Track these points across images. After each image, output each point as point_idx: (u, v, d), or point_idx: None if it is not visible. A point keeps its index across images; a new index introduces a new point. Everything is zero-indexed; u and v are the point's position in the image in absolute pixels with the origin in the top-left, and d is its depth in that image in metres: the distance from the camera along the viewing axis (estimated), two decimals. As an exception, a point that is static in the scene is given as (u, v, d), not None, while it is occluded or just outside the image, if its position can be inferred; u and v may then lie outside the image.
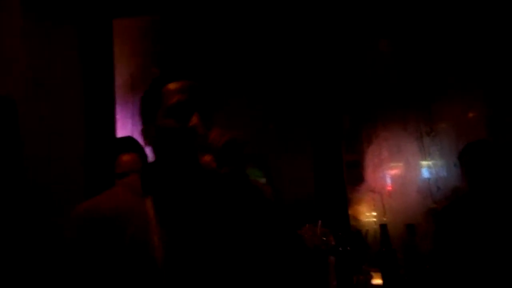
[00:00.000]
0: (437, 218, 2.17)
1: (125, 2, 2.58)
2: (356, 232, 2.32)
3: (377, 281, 2.06)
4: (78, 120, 2.42)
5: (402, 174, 2.67)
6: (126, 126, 2.67)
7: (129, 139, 2.01)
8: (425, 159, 2.63)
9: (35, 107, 2.20)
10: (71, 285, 1.00)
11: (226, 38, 2.84)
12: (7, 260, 1.83)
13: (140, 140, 1.88)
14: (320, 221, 2.21)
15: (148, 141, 1.11)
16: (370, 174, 2.71)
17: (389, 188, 2.65)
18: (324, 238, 2.14)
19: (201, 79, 1.12)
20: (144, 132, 1.11)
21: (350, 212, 2.67)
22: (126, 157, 1.87)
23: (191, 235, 1.01)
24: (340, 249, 2.08)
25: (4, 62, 2.16)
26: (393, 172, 2.70)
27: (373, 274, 2.06)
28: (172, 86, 1.08)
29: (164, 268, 0.96)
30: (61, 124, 2.30)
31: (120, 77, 2.72)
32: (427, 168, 2.63)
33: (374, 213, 2.64)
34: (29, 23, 2.23)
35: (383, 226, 2.08)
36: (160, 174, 1.08)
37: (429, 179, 2.62)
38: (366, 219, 2.67)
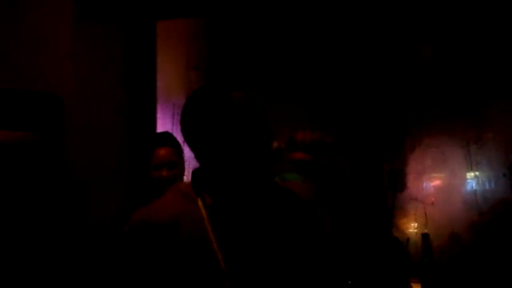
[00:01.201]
0: (484, 229, 2.05)
1: (169, 4, 2.62)
2: (395, 240, 2.25)
3: (418, 292, 1.98)
4: (121, 118, 2.46)
5: (446, 184, 2.56)
6: (166, 125, 2.71)
7: (166, 134, 2.04)
8: (471, 169, 2.52)
9: (81, 106, 2.26)
10: None
11: (270, 43, 2.83)
12: (47, 253, 1.88)
13: (177, 136, 1.91)
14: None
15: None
16: (412, 182, 2.62)
17: (433, 197, 2.55)
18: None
19: (243, 84, 1.11)
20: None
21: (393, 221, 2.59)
22: (162, 151, 1.89)
23: (246, 239, 1.00)
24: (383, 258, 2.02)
25: (54, 61, 2.24)
26: (437, 181, 2.59)
27: (414, 285, 1.98)
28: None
29: (226, 266, 0.95)
30: (104, 123, 2.35)
31: (163, 77, 2.76)
32: (474, 178, 2.51)
33: (416, 224, 2.54)
34: (78, 24, 2.31)
35: (425, 236, 2.01)
36: (214, 178, 1.07)
37: (475, 190, 2.50)
38: (408, 230, 2.58)
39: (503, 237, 1.94)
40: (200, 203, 1.02)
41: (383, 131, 2.71)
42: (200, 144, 1.06)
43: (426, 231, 2.28)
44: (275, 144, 1.15)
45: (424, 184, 2.61)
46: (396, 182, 2.66)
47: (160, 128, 2.68)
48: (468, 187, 2.53)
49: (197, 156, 1.08)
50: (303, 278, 1.01)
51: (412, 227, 2.52)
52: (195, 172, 1.09)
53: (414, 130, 2.69)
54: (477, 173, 2.52)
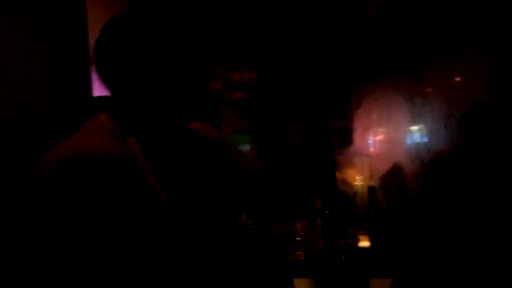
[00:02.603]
0: (423, 178, 2.10)
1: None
2: (342, 195, 2.25)
3: (365, 243, 2.01)
4: (48, 82, 2.26)
5: (391, 137, 2.59)
6: (103, 89, 2.53)
7: (108, 99, 1.88)
8: (414, 121, 2.55)
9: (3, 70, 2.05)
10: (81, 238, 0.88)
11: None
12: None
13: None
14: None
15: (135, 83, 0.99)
16: (358, 136, 2.62)
17: (378, 151, 2.57)
18: (310, 201, 2.07)
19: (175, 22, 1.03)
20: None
21: (337, 175, 2.60)
22: (103, 117, 1.74)
23: (175, 179, 1.02)
24: (327, 212, 2.02)
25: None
26: (382, 135, 2.61)
27: (361, 237, 2.00)
28: None
29: (170, 209, 0.95)
30: (31, 86, 2.15)
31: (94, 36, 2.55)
32: (417, 131, 2.55)
33: (361, 177, 2.57)
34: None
35: (371, 188, 2.02)
36: (137, 119, 1.01)
37: (418, 142, 2.54)
38: (354, 183, 2.60)
39: (441, 184, 1.97)
40: (132, 144, 0.97)
41: (330, 87, 2.69)
42: (116, 77, 0.99)
43: (372, 183, 2.29)
44: (210, 86, 1.09)
45: (370, 138, 2.63)
46: (343, 138, 2.66)
47: (97, 90, 2.51)
48: (412, 140, 2.57)
49: (112, 90, 1.01)
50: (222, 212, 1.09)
51: (358, 181, 2.54)
52: (115, 108, 1.02)
53: (360, 86, 2.68)
54: (420, 125, 2.55)
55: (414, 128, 2.58)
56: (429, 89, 2.59)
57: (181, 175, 1.04)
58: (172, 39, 1.01)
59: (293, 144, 1.16)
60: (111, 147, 0.93)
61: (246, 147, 3.08)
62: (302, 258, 1.94)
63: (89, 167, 0.87)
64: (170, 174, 1.01)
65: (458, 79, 2.59)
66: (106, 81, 1.02)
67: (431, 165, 2.14)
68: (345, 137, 2.66)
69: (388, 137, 2.59)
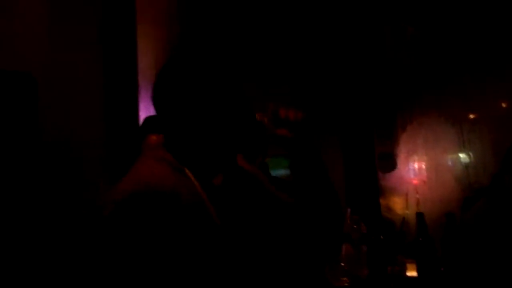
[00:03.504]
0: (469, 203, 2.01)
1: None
2: (389, 221, 2.19)
3: (412, 273, 1.93)
4: (99, 101, 2.35)
5: (438, 163, 2.52)
6: (149, 108, 2.60)
7: (158, 119, 1.93)
8: (463, 147, 2.48)
9: (56, 86, 2.14)
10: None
11: (254, 22, 2.76)
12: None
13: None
14: (349, 209, 2.11)
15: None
16: (403, 162, 2.57)
17: (424, 177, 2.50)
18: (355, 226, 2.03)
19: (227, 64, 1.12)
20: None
21: (382, 201, 2.55)
22: (155, 137, 1.80)
23: (228, 205, 1.08)
24: (373, 237, 1.96)
25: (26, 40, 2.11)
26: (428, 160, 2.55)
27: (408, 265, 1.93)
28: None
29: (223, 231, 1.02)
30: (81, 104, 2.23)
31: (144, 59, 2.64)
32: (466, 157, 2.47)
33: (408, 204, 2.50)
34: (55, 1, 2.18)
35: (419, 215, 1.95)
36: (192, 151, 1.08)
37: (467, 168, 2.46)
38: (400, 210, 2.54)
39: (490, 213, 1.89)
40: (189, 174, 1.04)
41: (374, 113, 2.67)
42: (172, 114, 1.07)
43: (419, 210, 2.22)
44: (258, 118, 1.18)
45: (415, 164, 2.56)
46: (386, 163, 2.61)
47: (143, 110, 2.58)
48: (461, 166, 2.49)
49: (169, 128, 1.09)
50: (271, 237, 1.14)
51: (404, 207, 2.47)
52: (171, 144, 1.09)
53: (405, 111, 2.65)
54: (469, 151, 2.48)
55: (462, 153, 2.51)
56: (477, 114, 2.52)
57: (230, 202, 1.11)
58: (222, 77, 1.09)
59: (330, 182, 1.23)
60: (175, 180, 1.01)
61: (282, 172, 3.10)
62: (346, 284, 1.89)
63: (154, 200, 0.96)
64: (221, 201, 1.08)
65: (505, 103, 2.52)
66: (163, 117, 1.10)
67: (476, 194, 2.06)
68: (390, 161, 2.61)
69: (435, 162, 2.53)
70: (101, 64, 2.40)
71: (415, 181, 2.51)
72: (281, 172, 2.94)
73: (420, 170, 2.52)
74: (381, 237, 1.95)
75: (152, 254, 0.93)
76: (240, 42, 2.69)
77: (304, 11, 2.71)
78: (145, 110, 2.61)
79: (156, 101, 1.10)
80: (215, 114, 1.06)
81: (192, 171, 1.05)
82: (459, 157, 2.51)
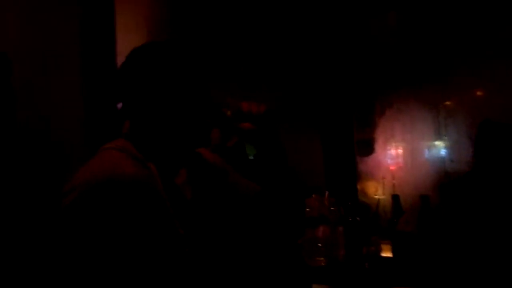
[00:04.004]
0: (449, 190, 2.07)
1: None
2: (365, 204, 2.23)
3: (387, 253, 1.97)
4: (76, 85, 2.31)
5: (414, 147, 2.56)
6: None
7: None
8: (439, 132, 2.52)
9: (31, 65, 2.09)
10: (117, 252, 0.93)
11: (234, 12, 2.74)
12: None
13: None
14: (327, 192, 2.14)
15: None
16: (381, 147, 2.60)
17: (401, 161, 2.55)
18: (333, 208, 2.06)
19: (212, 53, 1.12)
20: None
21: (359, 186, 2.58)
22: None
23: (188, 204, 1.10)
24: (350, 219, 2.00)
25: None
26: (405, 145, 2.59)
27: (384, 246, 1.97)
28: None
29: (184, 236, 1.01)
30: (59, 84, 2.19)
31: (123, 38, 2.60)
32: (441, 142, 2.52)
33: (384, 187, 2.54)
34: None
35: (395, 197, 2.00)
36: (163, 144, 1.08)
37: (442, 153, 2.51)
38: (375, 195, 2.58)
39: (466, 197, 1.95)
40: (153, 169, 1.03)
41: (353, 98, 2.69)
42: (136, 102, 1.06)
43: (395, 193, 2.26)
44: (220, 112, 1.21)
45: (393, 149, 2.60)
46: (365, 148, 2.65)
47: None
48: (436, 151, 2.54)
49: (132, 115, 1.07)
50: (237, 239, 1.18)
51: (380, 191, 2.51)
52: (134, 136, 1.07)
53: (384, 96, 2.67)
54: (445, 137, 2.53)
55: (438, 139, 2.56)
56: (454, 100, 2.57)
57: (190, 202, 1.14)
58: (191, 69, 1.09)
59: (294, 171, 1.28)
60: (137, 171, 0.99)
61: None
62: (323, 264, 1.92)
63: (118, 189, 0.93)
64: (181, 201, 1.09)
65: (483, 89, 2.57)
66: (127, 106, 1.08)
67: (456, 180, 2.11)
68: (368, 147, 2.65)
69: (412, 147, 2.57)
70: (78, 44, 2.35)
71: (392, 166, 2.55)
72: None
73: (397, 155, 2.56)
74: (358, 218, 1.98)
75: (107, 248, 0.91)
76: (210, 28, 2.68)
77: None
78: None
79: (120, 89, 1.09)
80: (179, 105, 1.06)
81: (156, 166, 1.04)
82: (435, 143, 2.56)
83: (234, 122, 1.19)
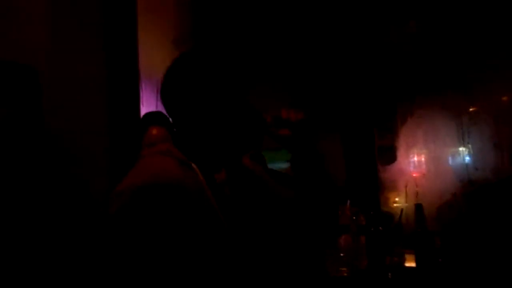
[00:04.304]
0: (473, 198, 2.02)
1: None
2: (388, 213, 2.21)
3: (411, 263, 1.95)
4: (101, 93, 2.35)
5: (437, 155, 2.52)
6: (150, 102, 2.61)
7: (158, 113, 1.94)
8: (462, 140, 2.48)
9: (58, 79, 2.14)
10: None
11: (256, 19, 2.77)
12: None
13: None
14: (349, 201, 2.12)
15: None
16: (403, 154, 2.58)
17: (424, 169, 2.51)
18: (354, 218, 2.05)
19: (232, 59, 1.17)
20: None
21: (381, 195, 2.56)
22: (155, 130, 1.80)
23: (231, 201, 1.13)
24: (372, 229, 1.98)
25: (27, 31, 2.11)
26: (428, 153, 2.55)
27: (408, 256, 1.95)
28: None
29: (229, 229, 1.03)
30: (83, 96, 2.24)
31: (145, 53, 2.65)
32: (465, 149, 2.48)
33: (406, 196, 2.51)
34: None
35: (418, 206, 1.97)
36: (204, 146, 1.11)
37: (466, 160, 2.47)
38: (397, 204, 2.54)
39: (492, 206, 1.91)
40: (196, 169, 1.05)
41: (374, 105, 2.68)
42: (179, 110, 1.11)
43: (418, 202, 2.23)
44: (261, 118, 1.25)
45: (415, 156, 2.57)
46: (386, 156, 2.62)
47: (144, 105, 2.59)
48: (460, 158, 2.50)
49: (175, 120, 1.13)
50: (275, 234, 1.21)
51: (403, 200, 2.48)
52: (176, 139, 1.11)
53: (405, 103, 2.65)
54: (468, 144, 2.49)
55: (461, 146, 2.52)
56: (477, 106, 2.53)
57: (233, 200, 1.17)
58: (230, 77, 1.13)
59: (330, 177, 1.32)
60: (183, 174, 1.01)
61: (285, 164, 3.10)
62: (345, 274, 1.91)
63: (164, 193, 0.95)
64: (224, 199, 1.11)
65: (506, 97, 2.53)
66: (170, 112, 1.14)
67: (480, 189, 2.06)
68: (390, 155, 2.62)
69: (435, 155, 2.54)
70: (102, 58, 2.40)
71: (414, 174, 2.52)
72: (281, 165, 2.97)
73: (420, 163, 2.52)
74: (380, 228, 1.97)
75: (161, 250, 0.92)
76: (242, 40, 2.71)
77: (303, 5, 2.71)
78: (147, 104, 2.62)
79: (164, 96, 1.13)
80: (221, 110, 1.09)
81: (198, 166, 1.06)
82: (458, 150, 2.52)
83: (273, 128, 1.23)
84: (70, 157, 2.10)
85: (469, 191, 2.33)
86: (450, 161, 2.51)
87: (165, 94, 1.13)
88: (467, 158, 2.48)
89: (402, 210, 2.06)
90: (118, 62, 2.45)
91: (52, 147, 2.01)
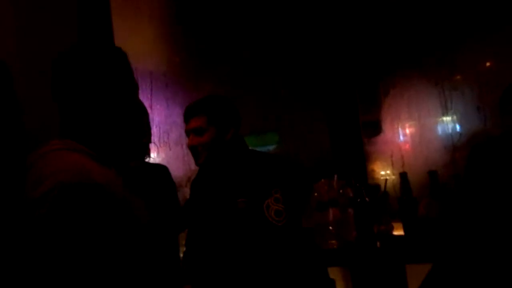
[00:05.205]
0: (469, 156, 1.99)
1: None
2: (375, 184, 2.23)
3: (399, 232, 1.97)
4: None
5: (421, 124, 2.54)
6: (143, 93, 2.60)
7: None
8: (445, 107, 2.50)
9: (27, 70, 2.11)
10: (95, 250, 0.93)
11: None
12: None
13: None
14: (336, 175, 2.13)
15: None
16: (387, 126, 2.59)
17: (408, 138, 2.53)
18: (341, 191, 2.06)
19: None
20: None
21: (368, 167, 2.57)
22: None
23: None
24: (359, 200, 2.00)
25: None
26: (412, 121, 2.57)
27: (395, 224, 1.97)
28: None
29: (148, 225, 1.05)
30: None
31: (137, 45, 2.62)
32: (448, 116, 2.50)
33: (392, 166, 2.53)
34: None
35: (403, 175, 1.99)
36: (111, 138, 1.09)
37: (450, 126, 2.48)
38: (384, 175, 2.56)
39: (488, 162, 1.87)
40: (113, 170, 1.04)
41: (357, 79, 2.67)
42: (78, 102, 1.05)
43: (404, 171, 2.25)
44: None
45: (400, 127, 2.59)
46: (372, 127, 2.63)
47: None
48: (443, 126, 2.51)
49: (74, 115, 1.06)
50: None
51: (389, 171, 2.50)
52: (75, 134, 1.06)
53: (388, 75, 2.65)
54: (451, 111, 2.50)
55: (445, 113, 2.53)
56: (459, 74, 2.53)
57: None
58: (121, 67, 1.09)
59: None
60: (102, 171, 0.99)
61: (274, 146, 3.10)
62: (335, 247, 1.93)
63: (93, 191, 0.92)
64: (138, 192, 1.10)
65: (489, 62, 2.53)
66: (66, 106, 1.07)
67: (474, 149, 2.02)
68: (374, 127, 2.63)
69: (419, 124, 2.55)
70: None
71: (400, 144, 2.54)
72: (270, 147, 2.97)
73: (405, 133, 2.54)
74: (367, 199, 1.98)
75: (93, 249, 0.90)
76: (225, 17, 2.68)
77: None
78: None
79: (57, 84, 1.07)
80: (119, 100, 1.07)
81: (108, 161, 1.05)
82: (442, 118, 2.54)
83: None
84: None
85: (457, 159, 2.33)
86: (434, 129, 2.52)
87: (57, 84, 1.08)
88: (451, 125, 2.49)
89: (386, 180, 2.07)
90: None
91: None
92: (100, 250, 0.91)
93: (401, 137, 2.57)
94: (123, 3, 2.64)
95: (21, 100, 1.95)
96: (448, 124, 2.51)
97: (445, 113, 2.52)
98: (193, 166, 2.49)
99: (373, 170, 2.57)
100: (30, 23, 2.12)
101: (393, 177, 2.48)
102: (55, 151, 1.00)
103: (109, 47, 1.14)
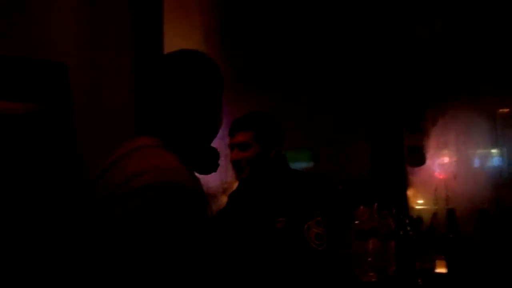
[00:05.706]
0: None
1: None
2: (417, 217, 2.15)
3: (442, 269, 1.89)
4: (130, 88, 2.36)
5: (469, 158, 2.45)
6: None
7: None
8: (496, 142, 2.40)
9: (87, 75, 2.16)
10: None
11: (284, 23, 2.75)
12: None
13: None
14: (376, 203, 2.08)
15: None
16: (433, 156, 2.51)
17: (455, 172, 2.44)
18: (383, 221, 2.00)
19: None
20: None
21: (410, 196, 2.50)
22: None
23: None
24: (401, 233, 1.93)
25: (58, 30, 2.13)
26: (460, 155, 2.47)
27: (438, 262, 1.89)
28: None
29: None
30: (112, 93, 2.25)
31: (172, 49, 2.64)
32: (499, 151, 2.40)
33: (437, 199, 2.44)
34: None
35: (450, 211, 1.92)
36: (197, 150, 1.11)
37: (500, 163, 2.38)
38: (423, 206, 2.48)
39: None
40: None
41: (404, 105, 2.62)
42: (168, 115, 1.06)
43: (450, 206, 2.17)
44: None
45: (446, 159, 2.50)
46: (415, 157, 2.56)
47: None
48: (492, 161, 2.42)
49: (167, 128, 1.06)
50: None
51: (433, 203, 2.41)
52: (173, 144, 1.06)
53: (437, 104, 2.57)
54: (502, 146, 2.40)
55: (495, 149, 2.44)
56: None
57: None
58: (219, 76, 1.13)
59: None
60: (193, 179, 0.99)
61: (307, 164, 3.05)
62: (373, 280, 1.86)
63: (188, 193, 0.93)
64: None
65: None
66: (160, 106, 1.07)
67: None
68: (418, 156, 2.55)
69: (466, 157, 2.46)
70: (130, 53, 2.41)
71: (444, 176, 2.45)
72: (302, 165, 2.93)
73: (451, 165, 2.45)
74: (410, 232, 1.91)
75: (176, 250, 0.89)
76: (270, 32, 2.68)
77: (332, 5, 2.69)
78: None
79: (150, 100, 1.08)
80: (213, 111, 1.10)
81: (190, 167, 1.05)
82: (491, 153, 2.44)
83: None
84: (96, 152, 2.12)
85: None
86: (483, 165, 2.43)
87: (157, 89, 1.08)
88: (501, 162, 2.39)
89: (434, 214, 2.00)
90: (146, 59, 2.46)
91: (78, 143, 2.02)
92: (179, 250, 0.89)
93: (446, 169, 2.48)
94: (176, 12, 2.68)
95: (77, 105, 2.00)
96: (497, 161, 2.41)
97: (495, 149, 2.43)
98: (229, 178, 2.48)
99: (414, 202, 2.49)
100: (93, 34, 2.18)
101: (436, 207, 2.40)
102: (149, 147, 1.01)
103: (208, 57, 1.14)
